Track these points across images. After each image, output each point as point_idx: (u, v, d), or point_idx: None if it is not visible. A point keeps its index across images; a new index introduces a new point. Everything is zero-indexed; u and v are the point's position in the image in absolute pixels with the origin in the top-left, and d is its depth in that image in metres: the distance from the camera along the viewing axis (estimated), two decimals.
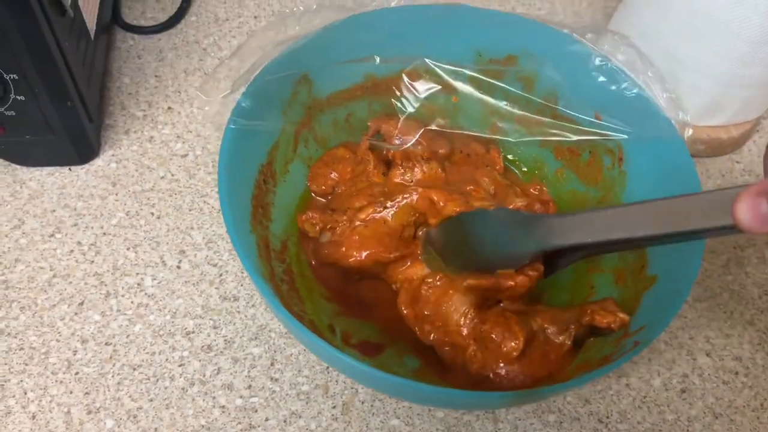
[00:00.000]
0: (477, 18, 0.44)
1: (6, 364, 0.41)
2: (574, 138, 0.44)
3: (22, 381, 0.41)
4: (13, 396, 0.40)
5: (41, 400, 0.40)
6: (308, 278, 0.42)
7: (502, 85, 0.45)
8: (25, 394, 0.40)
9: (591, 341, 0.39)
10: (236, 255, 0.46)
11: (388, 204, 0.41)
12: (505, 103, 0.46)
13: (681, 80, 0.49)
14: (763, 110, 0.52)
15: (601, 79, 0.42)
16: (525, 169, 0.49)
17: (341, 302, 0.42)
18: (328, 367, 0.42)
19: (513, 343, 0.38)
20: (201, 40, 0.59)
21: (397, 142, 0.44)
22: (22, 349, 0.42)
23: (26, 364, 0.41)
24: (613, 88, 0.42)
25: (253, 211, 0.39)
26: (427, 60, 0.44)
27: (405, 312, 0.40)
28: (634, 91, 0.41)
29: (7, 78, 0.42)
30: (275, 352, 0.43)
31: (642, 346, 0.33)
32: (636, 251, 0.40)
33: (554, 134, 0.45)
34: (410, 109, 0.44)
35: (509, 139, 0.46)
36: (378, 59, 0.43)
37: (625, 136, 0.43)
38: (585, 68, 0.43)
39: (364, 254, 0.41)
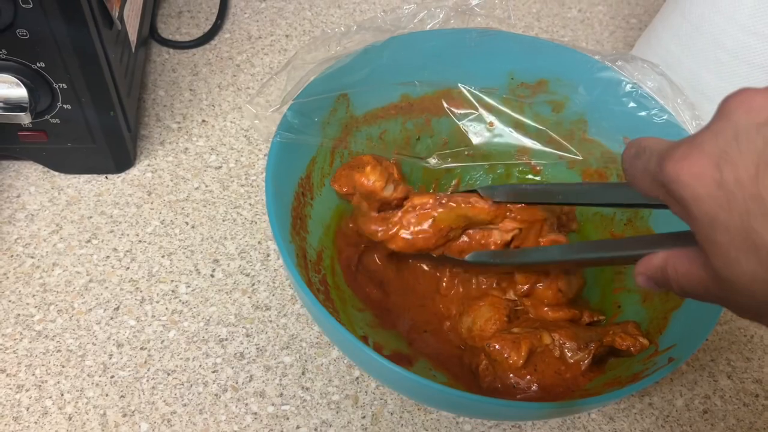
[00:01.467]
0: (511, 42, 0.46)
1: (44, 365, 0.42)
2: (602, 161, 0.46)
3: (59, 383, 0.42)
4: (50, 397, 0.41)
5: (77, 402, 0.41)
6: (342, 289, 0.43)
7: (533, 107, 0.47)
8: (62, 395, 0.41)
9: (615, 360, 0.40)
10: (268, 266, 0.48)
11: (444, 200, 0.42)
12: (535, 124, 0.47)
13: (704, 110, 0.51)
14: None
15: (631, 105, 0.44)
16: None
17: (374, 313, 0.43)
18: (357, 378, 0.43)
19: (515, 355, 0.39)
20: (234, 56, 0.60)
21: (433, 161, 0.46)
22: (59, 351, 0.43)
23: (63, 366, 0.42)
24: (643, 114, 0.43)
25: (292, 222, 0.40)
26: (460, 85, 0.46)
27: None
28: (664, 117, 0.43)
29: (56, 87, 0.44)
30: (306, 361, 0.44)
31: (676, 362, 0.34)
32: None
33: (583, 157, 0.46)
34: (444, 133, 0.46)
35: (540, 161, 0.47)
36: (417, 83, 0.45)
37: None
38: (615, 94, 0.44)
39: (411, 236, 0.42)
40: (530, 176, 0.49)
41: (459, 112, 0.46)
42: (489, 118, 0.47)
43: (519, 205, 0.41)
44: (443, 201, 0.41)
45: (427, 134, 0.48)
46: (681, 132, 0.42)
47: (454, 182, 0.50)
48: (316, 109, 0.42)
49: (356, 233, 0.44)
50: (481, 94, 0.47)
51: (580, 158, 0.46)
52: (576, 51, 0.45)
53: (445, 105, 0.46)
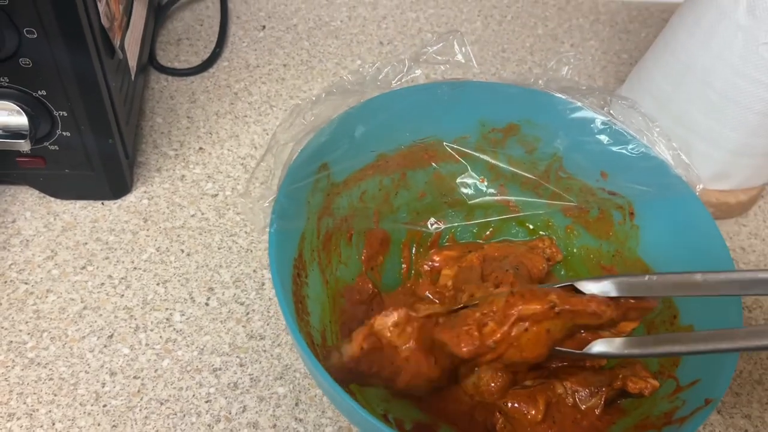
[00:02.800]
0: (480, 91, 0.46)
1: (35, 393, 0.42)
2: (581, 198, 0.47)
3: (50, 411, 0.41)
4: (41, 426, 0.41)
5: (69, 431, 0.41)
6: None
7: (506, 150, 0.47)
8: (53, 424, 0.41)
9: (632, 400, 0.40)
10: (263, 295, 0.48)
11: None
12: (509, 167, 0.48)
13: (693, 147, 0.52)
14: None
15: (605, 140, 0.44)
16: (532, 227, 0.50)
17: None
18: None
19: (533, 410, 0.39)
20: (232, 84, 0.61)
21: (432, 226, 0.46)
22: (51, 379, 0.43)
23: (55, 395, 0.42)
24: (617, 149, 0.44)
25: (296, 308, 0.38)
26: (436, 137, 0.46)
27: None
28: (641, 150, 0.44)
29: (57, 114, 0.44)
30: (300, 392, 0.44)
31: (714, 402, 0.34)
32: (664, 301, 0.42)
33: (561, 195, 0.47)
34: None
35: (519, 209, 0.48)
36: (393, 147, 0.45)
37: (633, 195, 0.45)
38: (588, 131, 0.45)
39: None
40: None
41: (439, 164, 0.47)
42: (474, 171, 0.48)
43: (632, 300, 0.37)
44: (557, 308, 0.36)
45: (404, 188, 0.47)
46: (658, 163, 0.43)
47: (448, 237, 0.49)
48: (301, 188, 0.41)
49: (358, 303, 0.43)
50: (454, 145, 0.47)
51: (574, 204, 0.47)
52: (545, 93, 0.45)
53: (433, 164, 0.46)
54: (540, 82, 0.46)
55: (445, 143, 0.47)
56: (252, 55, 0.64)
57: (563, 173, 0.47)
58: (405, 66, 0.43)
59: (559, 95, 0.46)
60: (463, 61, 0.44)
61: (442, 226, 0.48)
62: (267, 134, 0.57)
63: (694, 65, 0.50)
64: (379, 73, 0.43)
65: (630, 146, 0.44)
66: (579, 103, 0.45)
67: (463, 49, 0.43)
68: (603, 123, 0.44)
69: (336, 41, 0.66)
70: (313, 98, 0.42)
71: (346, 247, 0.45)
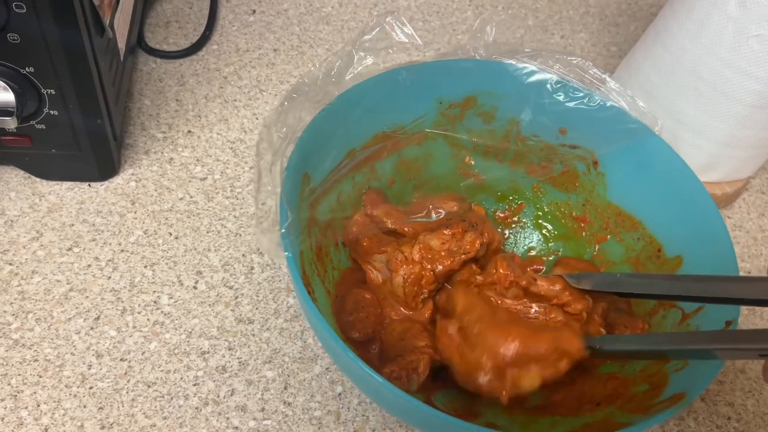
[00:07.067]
0: (436, 70, 0.46)
1: (20, 375, 0.41)
2: (543, 156, 0.47)
3: (35, 393, 0.41)
4: (26, 407, 0.40)
5: (54, 413, 0.40)
6: None
7: (464, 123, 0.47)
8: (38, 406, 0.40)
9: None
10: (252, 279, 0.47)
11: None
12: (468, 138, 0.48)
13: (681, 138, 0.52)
14: (754, 170, 0.56)
15: (562, 97, 0.45)
16: (500, 193, 0.50)
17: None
18: (340, 394, 0.43)
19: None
20: (222, 68, 0.60)
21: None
22: (36, 360, 0.42)
23: (40, 376, 0.41)
24: (574, 104, 0.45)
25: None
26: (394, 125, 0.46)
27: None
28: (597, 101, 0.44)
29: (44, 92, 0.43)
30: (288, 376, 0.44)
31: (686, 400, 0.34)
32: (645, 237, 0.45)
33: (523, 157, 0.48)
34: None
35: (483, 178, 0.49)
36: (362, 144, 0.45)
37: (594, 145, 0.46)
38: (544, 92, 0.45)
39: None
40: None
41: (402, 150, 0.47)
42: (436, 149, 0.48)
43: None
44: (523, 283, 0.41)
45: (375, 179, 0.47)
46: (615, 110, 0.44)
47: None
48: (293, 206, 0.39)
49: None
50: (414, 127, 0.46)
51: (536, 163, 0.47)
52: (498, 62, 0.45)
53: (396, 151, 0.46)
54: (481, 51, 0.46)
55: (406, 127, 0.46)
56: (242, 39, 0.63)
57: (523, 137, 0.47)
58: (354, 57, 0.43)
59: (510, 61, 0.45)
60: (406, 40, 0.43)
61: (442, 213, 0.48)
62: (257, 119, 0.57)
63: (684, 57, 0.50)
64: (332, 68, 0.42)
65: (586, 100, 0.45)
66: (532, 66, 0.45)
67: (405, 28, 0.43)
68: (557, 82, 0.45)
69: (327, 27, 0.66)
70: (279, 108, 0.41)
71: (335, 252, 0.45)
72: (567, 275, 0.41)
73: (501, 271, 0.42)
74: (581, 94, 0.45)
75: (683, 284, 0.37)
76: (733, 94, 0.49)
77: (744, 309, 0.51)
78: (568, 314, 0.41)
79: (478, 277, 0.43)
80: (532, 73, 0.45)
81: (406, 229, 0.44)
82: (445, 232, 0.43)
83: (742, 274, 0.52)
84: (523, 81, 0.45)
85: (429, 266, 0.42)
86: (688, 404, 0.35)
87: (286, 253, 0.36)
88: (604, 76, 0.44)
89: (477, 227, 0.44)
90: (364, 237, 0.44)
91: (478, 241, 0.43)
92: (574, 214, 0.48)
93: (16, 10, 0.38)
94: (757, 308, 0.51)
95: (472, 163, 0.49)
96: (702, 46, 0.49)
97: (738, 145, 0.52)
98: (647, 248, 0.44)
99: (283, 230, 0.35)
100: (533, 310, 0.42)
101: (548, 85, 0.45)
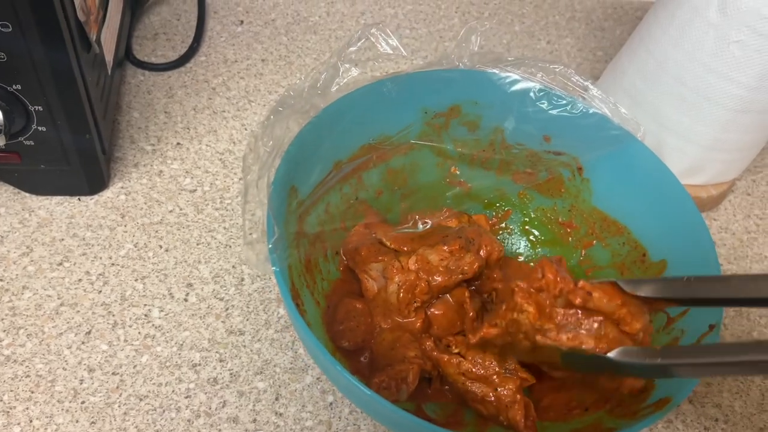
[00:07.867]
0: (421, 81, 0.46)
1: (12, 391, 0.41)
2: (528, 164, 0.48)
3: (27, 408, 0.41)
4: (18, 423, 0.40)
5: (47, 429, 0.40)
6: None
7: (449, 132, 0.48)
8: (31, 422, 0.40)
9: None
10: (242, 290, 0.48)
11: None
12: (454, 148, 0.48)
13: (666, 142, 0.53)
14: (739, 172, 0.56)
15: (545, 105, 0.45)
16: (487, 201, 0.51)
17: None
18: (331, 404, 0.44)
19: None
20: (210, 79, 0.61)
21: (420, 226, 0.47)
22: (28, 376, 0.42)
23: (32, 392, 0.42)
24: (558, 112, 0.45)
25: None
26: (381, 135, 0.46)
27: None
28: (581, 108, 0.45)
29: (32, 109, 0.43)
30: (280, 386, 0.44)
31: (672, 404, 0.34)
32: (630, 241, 0.45)
33: (508, 165, 0.48)
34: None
35: (470, 186, 0.49)
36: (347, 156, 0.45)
37: (578, 151, 0.46)
38: (528, 100, 0.46)
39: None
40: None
41: (389, 160, 0.47)
42: (422, 159, 0.48)
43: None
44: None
45: (362, 190, 0.47)
46: (598, 116, 0.45)
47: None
48: (280, 219, 0.39)
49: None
50: (401, 138, 0.47)
51: (521, 170, 0.48)
52: (482, 72, 0.46)
53: (383, 161, 0.46)
54: (465, 60, 0.46)
55: (392, 138, 0.47)
56: (230, 50, 0.63)
57: (507, 145, 0.48)
58: (339, 69, 0.43)
59: (494, 71, 0.46)
60: (391, 52, 0.43)
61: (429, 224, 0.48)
62: (246, 129, 0.57)
63: (667, 62, 0.51)
64: (317, 80, 0.43)
65: (569, 107, 0.45)
66: (515, 75, 0.46)
67: (389, 40, 0.43)
68: (540, 90, 0.45)
69: (314, 36, 0.66)
70: (264, 122, 0.41)
71: (324, 263, 0.45)
72: (621, 280, 0.36)
73: (549, 276, 0.36)
74: (564, 102, 0.45)
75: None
76: (715, 98, 0.49)
77: (730, 311, 0.51)
78: (624, 333, 0.36)
79: (519, 283, 0.37)
80: (516, 81, 0.45)
81: (405, 248, 0.44)
82: (444, 248, 0.43)
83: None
84: (507, 90, 0.46)
85: (425, 276, 0.42)
86: (674, 407, 0.35)
87: (274, 268, 0.36)
88: (586, 83, 0.45)
89: (474, 242, 0.44)
90: (363, 246, 0.45)
91: (476, 264, 0.43)
92: (560, 219, 0.49)
93: (2, 29, 0.39)
94: (743, 309, 0.52)
95: (458, 172, 0.49)
96: (684, 51, 0.49)
97: (722, 149, 0.52)
98: (632, 253, 0.45)
99: (270, 245, 0.36)
100: (585, 325, 0.35)
101: (531, 94, 0.45)
